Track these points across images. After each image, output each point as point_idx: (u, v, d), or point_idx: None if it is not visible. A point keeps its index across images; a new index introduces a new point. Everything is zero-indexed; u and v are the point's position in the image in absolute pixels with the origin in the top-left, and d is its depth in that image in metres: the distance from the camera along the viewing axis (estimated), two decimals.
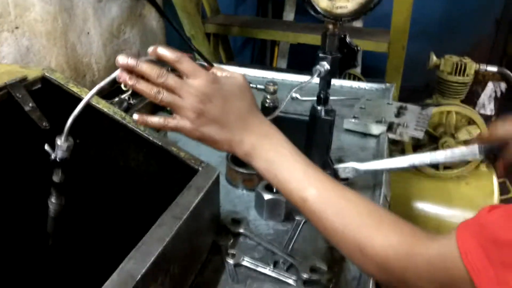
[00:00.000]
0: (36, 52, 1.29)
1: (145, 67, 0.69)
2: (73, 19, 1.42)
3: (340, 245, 0.69)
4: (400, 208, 2.26)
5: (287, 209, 1.08)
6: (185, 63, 0.70)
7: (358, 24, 2.99)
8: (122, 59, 0.69)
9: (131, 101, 1.46)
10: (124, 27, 1.70)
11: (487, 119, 2.98)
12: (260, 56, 3.85)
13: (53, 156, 0.72)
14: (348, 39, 1.04)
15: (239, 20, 2.79)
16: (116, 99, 1.43)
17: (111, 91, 1.38)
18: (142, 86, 0.70)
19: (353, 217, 0.68)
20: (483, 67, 2.38)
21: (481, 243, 0.55)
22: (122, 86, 1.54)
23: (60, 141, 0.71)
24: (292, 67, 3.08)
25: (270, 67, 3.41)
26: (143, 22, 1.85)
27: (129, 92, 1.46)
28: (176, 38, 1.95)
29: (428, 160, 1.11)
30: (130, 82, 0.70)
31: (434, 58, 2.41)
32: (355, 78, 2.64)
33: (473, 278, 0.54)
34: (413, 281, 0.62)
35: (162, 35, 2.01)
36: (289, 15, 3.33)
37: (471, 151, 0.93)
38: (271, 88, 1.11)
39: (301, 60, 2.96)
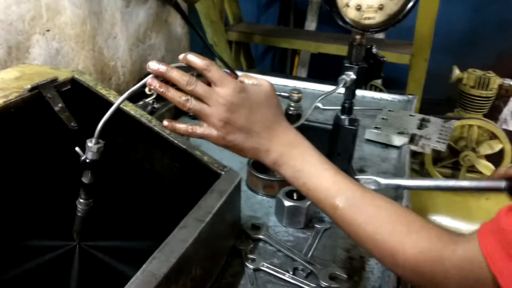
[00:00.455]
0: (65, 54, 1.32)
1: (175, 74, 0.70)
2: (101, 23, 1.45)
3: (372, 250, 0.70)
4: None
5: (307, 217, 1.08)
6: (214, 71, 0.71)
7: (380, 35, 2.99)
8: (153, 65, 0.70)
9: (155, 105, 1.48)
10: (150, 32, 1.73)
11: (509, 134, 2.95)
12: (280, 64, 3.87)
13: (83, 158, 0.73)
14: (374, 50, 1.05)
15: (261, 28, 2.82)
16: (141, 102, 1.46)
17: (135, 95, 1.41)
18: (172, 94, 0.72)
19: (384, 224, 0.69)
20: (507, 81, 2.36)
21: (503, 246, 0.57)
22: (147, 90, 1.57)
23: (90, 143, 0.73)
24: (312, 77, 3.09)
25: (290, 75, 3.42)
26: (168, 28, 1.87)
27: (154, 96, 1.48)
28: (200, 45, 1.98)
29: (452, 186, 1.10)
30: (160, 90, 0.72)
31: (457, 71, 2.40)
32: (376, 89, 2.64)
33: (498, 279, 0.56)
34: (444, 284, 0.63)
35: (186, 42, 2.04)
36: (311, 24, 3.34)
37: (497, 185, 0.92)
38: (296, 96, 1.12)
39: (321, 70, 2.98)
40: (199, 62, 0.71)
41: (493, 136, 2.36)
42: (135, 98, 1.43)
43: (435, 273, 0.64)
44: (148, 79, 0.71)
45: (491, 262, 0.57)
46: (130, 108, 1.00)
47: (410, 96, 1.90)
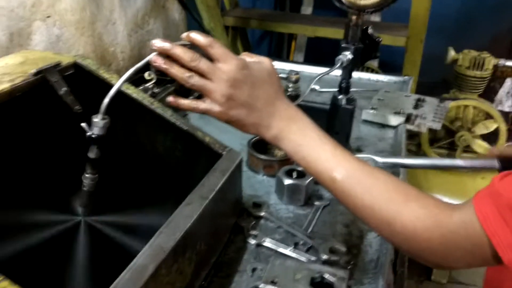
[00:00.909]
0: (65, 40, 1.34)
1: (179, 51, 0.72)
2: (101, 9, 1.47)
3: (369, 220, 0.73)
4: None
5: (307, 194, 1.11)
6: (217, 48, 0.73)
7: (376, 18, 3.00)
8: (157, 43, 0.72)
9: (155, 90, 1.49)
10: (148, 18, 1.75)
11: (505, 115, 2.98)
12: (277, 49, 3.88)
13: (89, 133, 0.76)
14: (370, 31, 1.07)
15: (258, 13, 2.82)
16: (141, 87, 1.47)
17: (135, 80, 1.43)
18: (175, 70, 0.73)
19: (381, 194, 0.71)
20: (502, 62, 2.38)
21: (498, 208, 0.59)
22: (146, 75, 1.58)
23: (96, 119, 0.75)
24: (309, 61, 3.10)
25: (287, 60, 3.43)
26: (166, 14, 1.89)
27: (153, 81, 1.50)
28: (197, 30, 2.00)
29: (448, 164, 1.13)
30: (164, 66, 0.73)
31: (452, 52, 2.42)
32: (372, 71, 2.66)
33: (492, 241, 0.59)
34: (440, 250, 0.66)
35: (183, 27, 2.06)
36: (307, 9, 3.35)
37: (490, 163, 0.94)
38: (294, 77, 1.15)
39: (318, 54, 2.99)
40: (202, 39, 0.73)
41: (488, 116, 2.39)
42: (135, 83, 1.44)
43: (432, 239, 0.66)
44: (152, 56, 0.72)
45: (486, 225, 0.60)
46: (132, 91, 1.02)
47: (406, 77, 1.93)
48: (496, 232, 0.59)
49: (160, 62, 0.73)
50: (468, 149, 2.47)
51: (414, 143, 2.52)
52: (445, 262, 0.68)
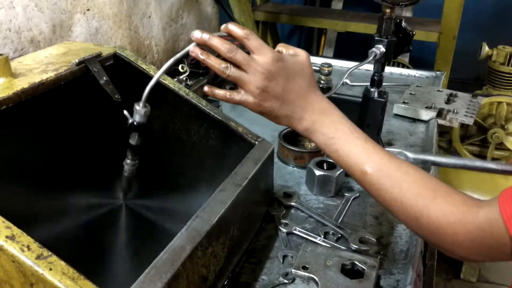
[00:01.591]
0: (103, 33, 1.39)
1: (217, 41, 0.74)
2: (137, 2, 1.51)
3: (398, 213, 0.74)
4: None
5: (337, 186, 1.13)
6: (253, 40, 0.75)
7: (408, 13, 2.97)
8: (197, 34, 0.74)
9: (188, 82, 1.53)
10: (182, 12, 1.78)
11: None
12: (307, 44, 3.87)
13: (130, 121, 0.79)
14: (403, 24, 1.08)
15: (288, 8, 2.84)
16: (175, 79, 1.51)
17: (169, 72, 1.46)
18: (212, 61, 0.75)
19: (410, 188, 0.72)
20: None
21: None
22: (180, 68, 1.62)
23: (138, 107, 0.78)
24: (339, 56, 3.09)
25: (317, 55, 3.43)
26: (199, 8, 1.92)
27: (187, 74, 1.54)
28: (234, 22, 2.02)
29: (479, 166, 1.12)
30: (201, 57, 0.76)
31: (486, 48, 2.39)
32: (403, 66, 2.64)
33: None
34: (466, 244, 0.67)
35: (216, 21, 2.09)
36: (337, 4, 3.33)
37: None
38: (326, 70, 1.16)
39: (347, 50, 2.98)
40: (239, 31, 0.75)
41: None
42: (169, 75, 1.48)
43: (457, 234, 0.67)
44: (191, 47, 0.75)
45: (509, 223, 0.61)
46: (169, 82, 1.06)
47: (438, 72, 1.91)
48: None
49: (198, 53, 0.75)
50: (500, 147, 2.43)
51: (445, 140, 2.50)
52: (471, 255, 0.70)
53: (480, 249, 0.66)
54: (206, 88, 0.80)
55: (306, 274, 0.83)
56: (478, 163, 1.09)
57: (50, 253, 0.60)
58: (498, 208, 0.63)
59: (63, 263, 0.59)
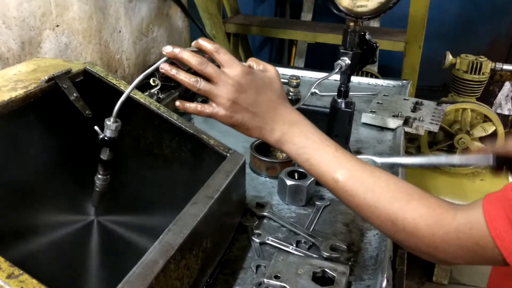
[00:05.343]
0: (73, 48, 1.39)
1: (187, 55, 0.76)
2: (107, 17, 1.51)
3: (372, 218, 0.75)
4: None
5: (308, 195, 1.15)
6: (222, 54, 0.77)
7: (375, 24, 3.05)
8: (168, 48, 0.76)
9: (160, 95, 1.54)
10: (152, 26, 1.79)
11: (504, 118, 3.01)
12: (278, 55, 3.93)
13: (101, 136, 0.80)
14: (367, 36, 1.12)
15: (258, 20, 2.87)
16: (146, 93, 1.52)
17: (141, 86, 1.47)
18: (182, 76, 0.77)
19: (384, 193, 0.73)
20: (499, 65, 2.42)
21: (506, 212, 0.62)
22: (151, 81, 1.63)
23: (109, 122, 0.79)
24: (310, 67, 3.15)
25: (288, 66, 3.47)
26: (169, 22, 1.94)
27: (158, 87, 1.55)
28: (204, 37, 2.04)
29: (444, 162, 1.16)
30: (171, 72, 0.77)
31: (450, 57, 2.47)
32: (372, 76, 2.70)
33: (496, 242, 0.62)
34: (442, 247, 0.68)
35: (187, 34, 2.10)
36: (307, 15, 3.40)
37: (485, 159, 0.96)
38: (294, 82, 1.19)
39: (318, 60, 3.04)
40: (209, 45, 0.77)
41: (487, 119, 2.43)
42: (140, 89, 1.49)
43: (434, 235, 0.68)
44: (161, 62, 0.76)
45: (492, 226, 0.62)
46: (139, 96, 1.06)
47: (404, 81, 1.97)
48: (501, 234, 0.62)
49: (167, 69, 0.77)
50: (466, 152, 2.50)
51: (414, 146, 2.56)
52: (447, 258, 0.70)
53: (457, 251, 0.67)
54: (177, 103, 0.81)
55: (278, 283, 0.85)
56: (443, 159, 1.12)
57: (21, 271, 0.60)
58: (480, 210, 0.64)
59: (34, 281, 0.59)
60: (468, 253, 0.67)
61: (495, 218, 0.62)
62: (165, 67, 0.77)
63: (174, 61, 0.81)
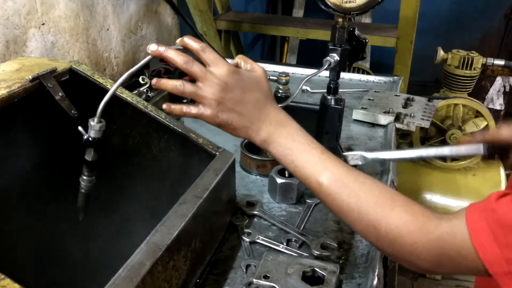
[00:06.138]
0: (60, 47, 1.37)
1: (172, 53, 0.74)
2: (94, 15, 1.49)
3: (355, 223, 0.74)
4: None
5: (299, 193, 1.14)
6: (208, 53, 0.75)
7: (366, 20, 3.04)
8: (152, 47, 0.74)
9: (149, 94, 1.52)
10: (141, 23, 1.77)
11: (496, 113, 3.02)
12: (270, 52, 3.92)
13: (85, 137, 0.78)
14: (356, 32, 1.10)
15: (250, 17, 2.86)
16: (135, 91, 1.50)
17: (130, 84, 1.46)
18: (165, 81, 0.76)
19: (368, 198, 0.72)
20: (490, 61, 2.42)
21: (489, 225, 0.61)
22: (140, 79, 1.61)
23: (93, 122, 0.77)
24: (302, 63, 3.14)
25: (280, 62, 3.46)
26: (158, 19, 1.92)
27: (147, 85, 1.53)
28: (190, 35, 2.03)
29: (434, 154, 1.15)
30: (153, 82, 0.76)
31: (441, 52, 2.46)
32: (364, 72, 2.69)
33: (478, 253, 0.62)
34: (424, 255, 0.67)
35: (176, 32, 2.09)
36: (298, 12, 3.39)
37: (476, 149, 0.95)
38: (284, 79, 1.17)
39: (310, 56, 3.02)
40: (195, 44, 0.75)
41: (478, 114, 2.43)
42: (129, 87, 1.47)
43: (417, 243, 0.67)
44: (146, 60, 0.75)
45: (474, 237, 0.62)
46: (126, 95, 1.05)
47: (395, 77, 1.96)
48: (483, 245, 0.61)
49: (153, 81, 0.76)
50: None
51: (406, 142, 2.56)
52: (429, 267, 0.70)
53: (439, 260, 0.67)
54: (164, 106, 0.80)
55: (268, 283, 0.84)
56: (433, 150, 1.12)
57: (3, 276, 0.59)
58: (464, 220, 0.64)
59: (17, 285, 0.58)
60: (451, 263, 0.66)
61: (478, 229, 0.62)
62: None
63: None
